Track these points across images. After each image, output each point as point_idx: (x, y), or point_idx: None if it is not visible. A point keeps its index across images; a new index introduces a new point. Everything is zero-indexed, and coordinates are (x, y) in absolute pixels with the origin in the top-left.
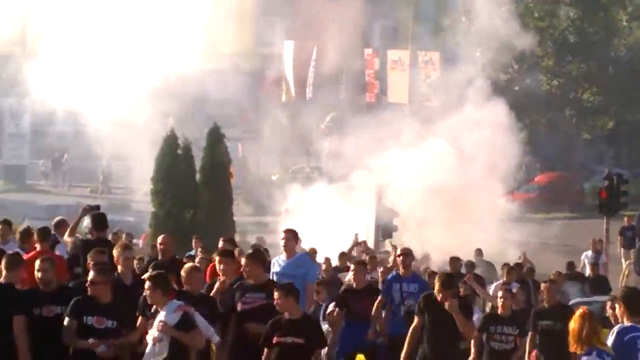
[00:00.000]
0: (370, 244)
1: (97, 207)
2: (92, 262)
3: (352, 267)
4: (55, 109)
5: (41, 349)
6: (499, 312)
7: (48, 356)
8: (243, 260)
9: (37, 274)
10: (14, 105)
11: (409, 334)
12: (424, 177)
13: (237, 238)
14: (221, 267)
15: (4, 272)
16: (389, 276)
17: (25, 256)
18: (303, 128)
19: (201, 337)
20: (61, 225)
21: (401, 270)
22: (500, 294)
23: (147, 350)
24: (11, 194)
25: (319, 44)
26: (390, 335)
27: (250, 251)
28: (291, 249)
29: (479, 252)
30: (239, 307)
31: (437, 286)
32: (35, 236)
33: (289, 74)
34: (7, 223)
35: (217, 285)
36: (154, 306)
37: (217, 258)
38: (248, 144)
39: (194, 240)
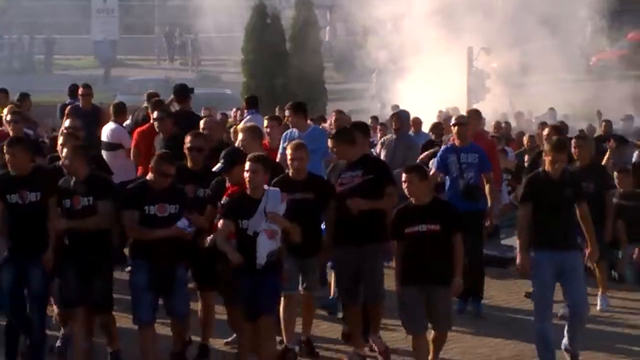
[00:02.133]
0: (464, 109)
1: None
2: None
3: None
4: None
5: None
6: None
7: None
8: (329, 142)
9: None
10: None
11: (519, 224)
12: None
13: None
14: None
15: None
16: (443, 147)
17: (137, 129)
18: None
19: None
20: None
21: (456, 141)
22: None
23: (260, 243)
24: (102, 70)
25: None
26: None
27: (335, 131)
28: (301, 124)
29: (552, 111)
30: (337, 189)
31: (549, 150)
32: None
33: None
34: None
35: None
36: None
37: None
38: (336, 11)
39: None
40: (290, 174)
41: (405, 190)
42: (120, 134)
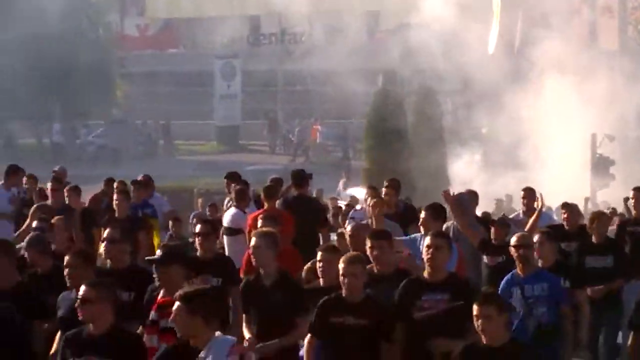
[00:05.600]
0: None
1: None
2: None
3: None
4: (265, 70)
5: None
6: None
7: None
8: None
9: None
10: (225, 67)
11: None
12: None
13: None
14: None
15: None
16: (504, 280)
17: (251, 215)
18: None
19: None
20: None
21: (518, 268)
22: None
23: None
24: (225, 155)
25: None
26: None
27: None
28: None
29: None
30: (416, 314)
31: None
32: (262, 195)
33: (494, 25)
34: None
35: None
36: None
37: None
38: (458, 97)
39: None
40: (343, 294)
41: (478, 326)
42: (241, 219)
